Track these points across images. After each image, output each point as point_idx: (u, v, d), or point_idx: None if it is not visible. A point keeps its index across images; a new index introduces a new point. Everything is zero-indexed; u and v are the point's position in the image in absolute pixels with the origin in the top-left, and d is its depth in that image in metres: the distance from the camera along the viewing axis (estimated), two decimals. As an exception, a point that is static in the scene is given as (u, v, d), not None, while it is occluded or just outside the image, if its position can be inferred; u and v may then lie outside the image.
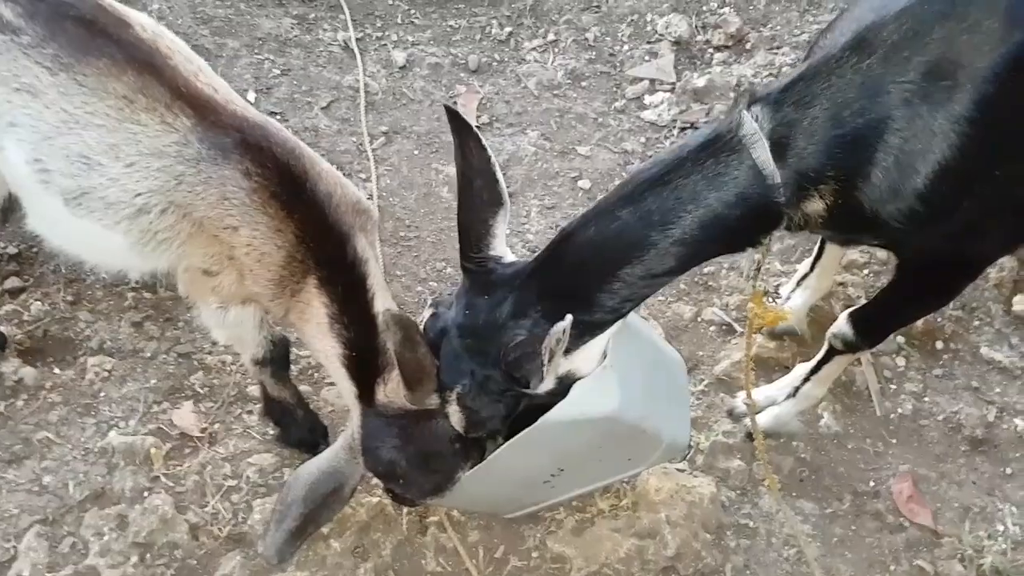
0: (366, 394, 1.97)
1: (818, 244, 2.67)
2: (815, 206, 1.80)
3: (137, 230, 1.95)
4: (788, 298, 2.77)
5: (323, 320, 1.95)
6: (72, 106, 1.87)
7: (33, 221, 2.12)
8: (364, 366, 1.95)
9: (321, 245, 1.92)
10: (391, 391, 1.94)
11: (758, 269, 2.19)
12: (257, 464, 2.38)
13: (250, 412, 2.50)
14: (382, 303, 1.96)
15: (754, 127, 1.73)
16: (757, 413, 2.43)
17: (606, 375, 1.96)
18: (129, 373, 2.53)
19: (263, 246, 1.91)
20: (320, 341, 1.98)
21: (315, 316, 1.96)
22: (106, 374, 2.51)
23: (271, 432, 2.45)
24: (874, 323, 2.25)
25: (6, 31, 1.87)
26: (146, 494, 2.28)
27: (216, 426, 2.46)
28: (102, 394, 2.48)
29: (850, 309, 2.30)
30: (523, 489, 2.21)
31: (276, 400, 2.38)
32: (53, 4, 1.90)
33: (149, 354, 2.57)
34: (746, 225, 1.80)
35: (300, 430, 2.41)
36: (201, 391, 2.52)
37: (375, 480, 2.38)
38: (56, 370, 2.52)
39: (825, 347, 2.39)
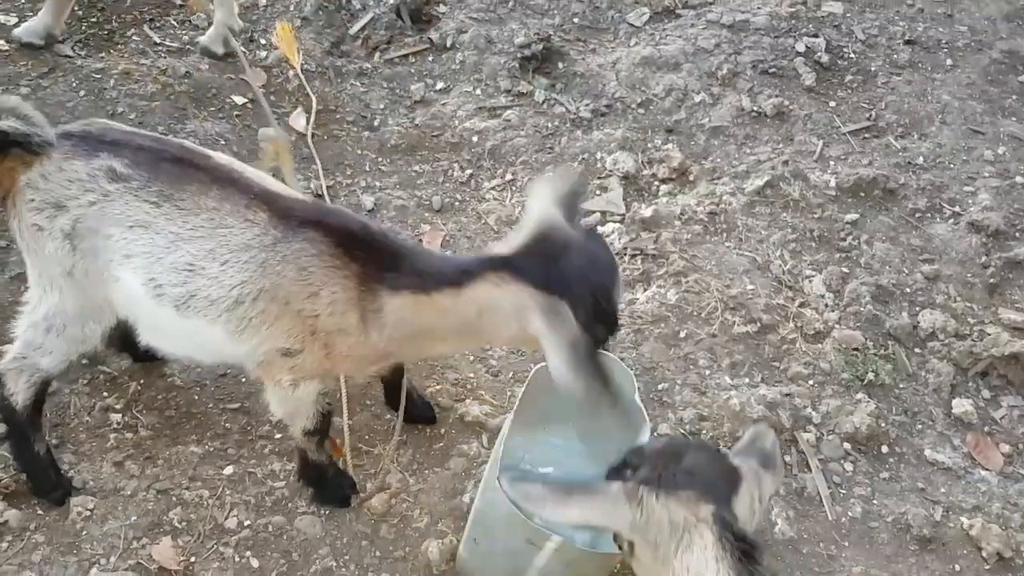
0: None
1: None
2: None
3: (236, 319, 2.25)
4: None
5: (409, 294, 2.19)
6: (176, 227, 2.21)
7: (146, 335, 2.43)
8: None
9: (377, 261, 2.21)
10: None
11: None
12: (233, 595, 2.48)
13: (226, 544, 2.60)
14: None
15: None
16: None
17: None
18: (111, 511, 2.63)
19: (340, 294, 2.20)
20: (469, 309, 2.16)
21: (401, 299, 2.19)
22: (88, 513, 2.61)
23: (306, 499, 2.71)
24: None
25: (119, 180, 2.22)
26: (125, 629, 2.36)
27: (193, 559, 2.55)
28: (84, 532, 2.58)
29: None
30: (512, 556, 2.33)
31: (314, 464, 2.66)
32: (152, 151, 2.26)
33: (129, 492, 2.68)
34: None
35: (333, 487, 2.70)
36: (179, 526, 2.62)
37: None
38: (40, 511, 2.62)
39: None
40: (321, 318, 2.22)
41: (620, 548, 1.84)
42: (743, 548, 1.59)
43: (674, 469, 1.66)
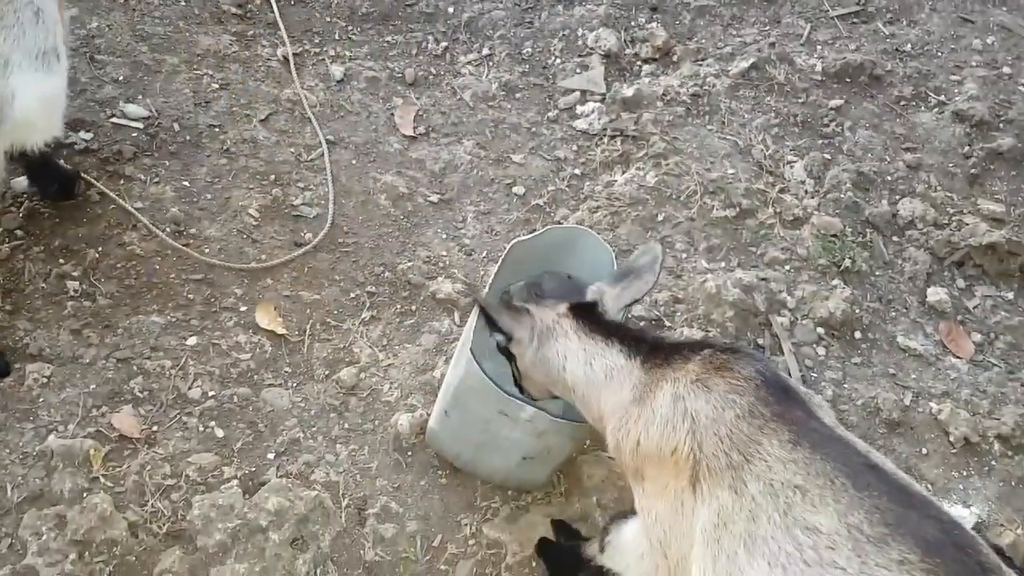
0: None
1: None
2: None
3: None
4: None
5: None
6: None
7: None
8: None
9: None
10: None
11: None
12: (196, 463, 2.42)
13: (189, 414, 2.53)
14: None
15: None
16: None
17: None
18: (68, 379, 2.55)
19: None
20: None
21: None
22: (45, 380, 2.52)
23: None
24: None
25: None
26: (85, 494, 2.30)
27: (155, 428, 2.49)
28: (41, 400, 2.50)
29: None
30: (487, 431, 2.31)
31: (54, 167, 2.87)
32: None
33: (88, 360, 2.60)
34: None
35: (66, 181, 2.90)
36: (140, 395, 2.55)
37: (314, 475, 2.45)
38: (-7, 378, 2.54)
39: None
40: None
41: (508, 356, 2.21)
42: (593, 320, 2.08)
43: (536, 291, 2.20)
